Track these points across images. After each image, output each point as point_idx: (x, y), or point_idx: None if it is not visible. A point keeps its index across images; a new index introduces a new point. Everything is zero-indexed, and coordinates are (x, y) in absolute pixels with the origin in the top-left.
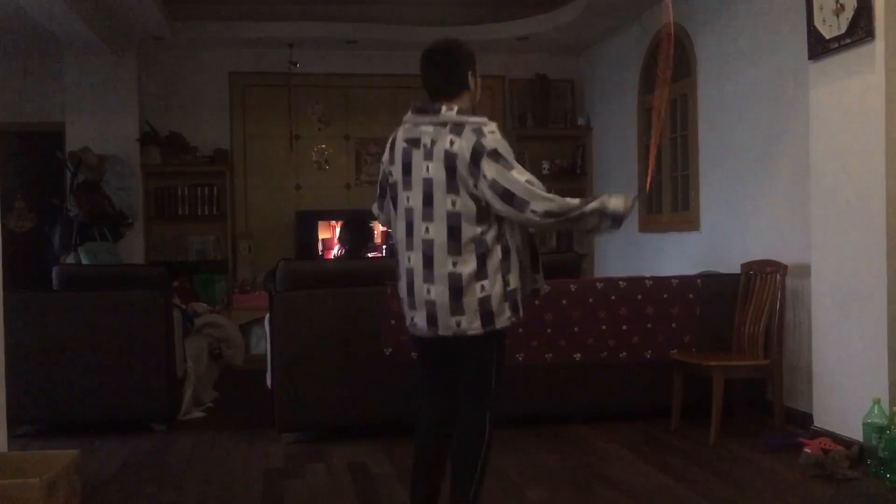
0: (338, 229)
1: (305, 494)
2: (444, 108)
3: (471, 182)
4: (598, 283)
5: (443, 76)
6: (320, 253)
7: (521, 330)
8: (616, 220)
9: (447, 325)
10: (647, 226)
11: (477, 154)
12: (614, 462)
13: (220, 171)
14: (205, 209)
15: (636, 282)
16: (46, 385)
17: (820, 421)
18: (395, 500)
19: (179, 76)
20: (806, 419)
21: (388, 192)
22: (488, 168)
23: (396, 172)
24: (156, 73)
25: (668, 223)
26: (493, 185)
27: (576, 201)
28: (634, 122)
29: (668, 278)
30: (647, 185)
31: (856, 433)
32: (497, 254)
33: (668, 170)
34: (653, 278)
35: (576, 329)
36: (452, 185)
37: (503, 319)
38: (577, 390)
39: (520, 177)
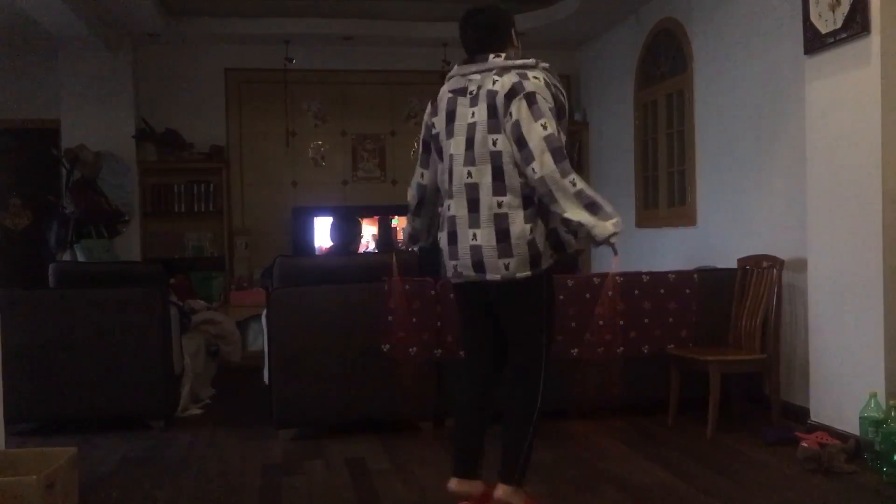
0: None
1: (303, 491)
2: (491, 56)
3: (503, 120)
4: (594, 279)
5: (487, 34)
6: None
7: None
8: (594, 242)
9: (495, 267)
10: (643, 221)
11: (513, 92)
12: (612, 457)
13: (217, 168)
14: (201, 206)
15: (633, 277)
16: (44, 382)
17: (817, 415)
18: (393, 496)
19: (175, 72)
20: (803, 413)
21: (431, 148)
22: (517, 108)
23: (439, 123)
24: (151, 70)
25: (664, 218)
26: (514, 127)
27: (569, 204)
28: (631, 118)
29: (665, 273)
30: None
31: (852, 427)
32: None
33: (665, 165)
34: (650, 273)
35: (573, 324)
36: (494, 125)
37: (547, 258)
38: (575, 385)
39: (541, 131)
